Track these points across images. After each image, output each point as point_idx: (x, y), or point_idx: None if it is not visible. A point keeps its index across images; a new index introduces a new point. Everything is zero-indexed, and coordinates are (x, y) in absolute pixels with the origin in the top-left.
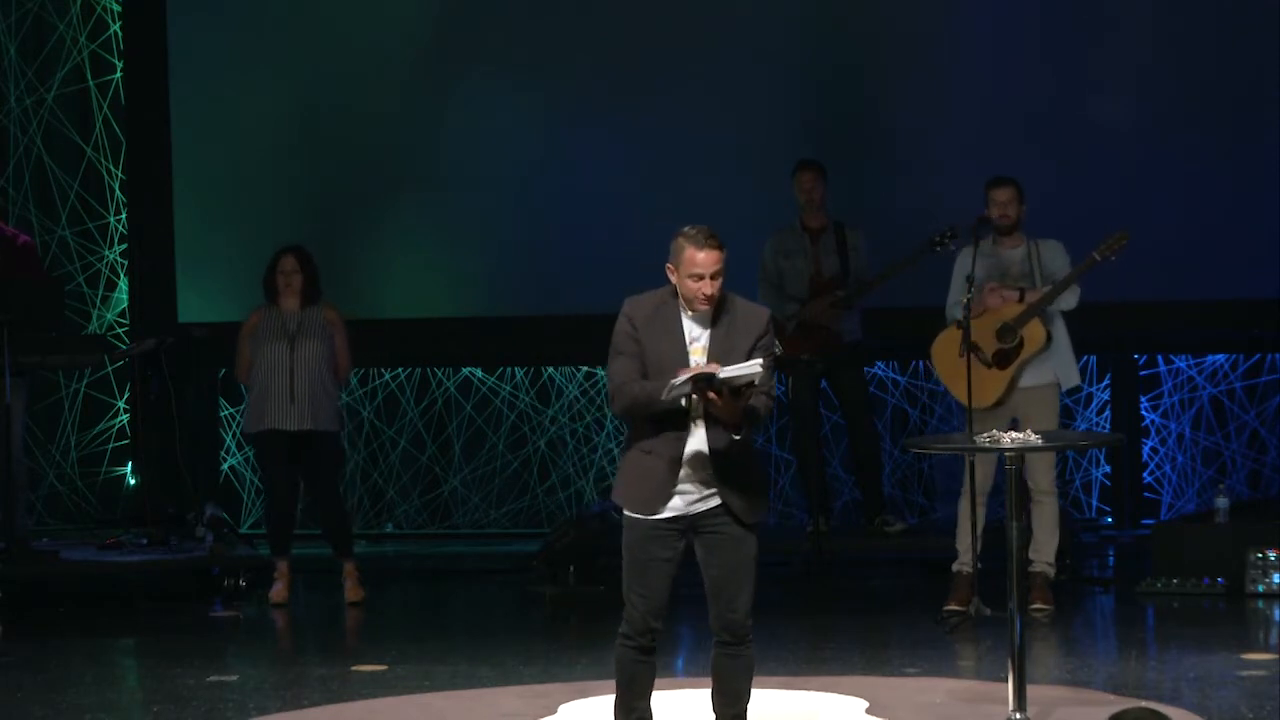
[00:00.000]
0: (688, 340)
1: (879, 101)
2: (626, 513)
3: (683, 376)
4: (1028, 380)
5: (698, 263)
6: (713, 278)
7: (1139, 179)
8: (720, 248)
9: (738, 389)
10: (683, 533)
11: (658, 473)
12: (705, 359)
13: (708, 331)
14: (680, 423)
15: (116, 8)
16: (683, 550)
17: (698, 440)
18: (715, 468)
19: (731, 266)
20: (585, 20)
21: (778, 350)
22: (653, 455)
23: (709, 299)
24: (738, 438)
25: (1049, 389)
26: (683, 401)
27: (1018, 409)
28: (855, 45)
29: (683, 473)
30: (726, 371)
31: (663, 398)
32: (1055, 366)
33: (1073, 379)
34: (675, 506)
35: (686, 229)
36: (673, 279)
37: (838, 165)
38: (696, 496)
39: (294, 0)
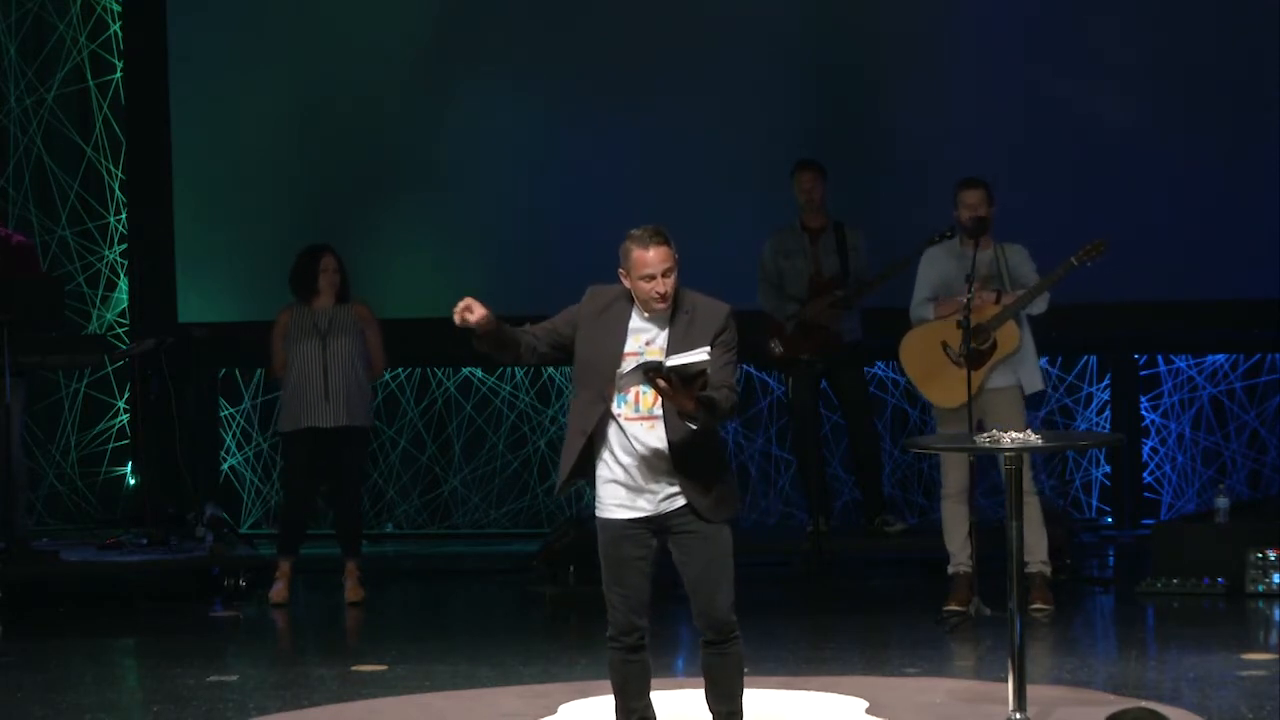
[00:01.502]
0: (644, 341)
1: (879, 102)
2: (597, 515)
3: (630, 365)
4: (993, 383)
5: (647, 262)
6: (664, 275)
7: (1139, 179)
8: (668, 243)
9: (689, 377)
10: (655, 532)
11: (569, 447)
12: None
13: (665, 330)
14: (598, 399)
15: (116, 8)
16: (657, 547)
17: (659, 431)
18: (675, 462)
19: (732, 266)
20: (585, 20)
21: (777, 350)
22: (570, 427)
23: (664, 298)
24: (695, 427)
25: (1012, 391)
26: (626, 397)
27: (983, 410)
28: (855, 46)
29: (646, 467)
30: (673, 359)
31: (616, 384)
32: (1019, 370)
33: (1036, 384)
34: (642, 508)
35: (633, 231)
36: (626, 283)
37: (838, 165)
38: (661, 495)
39: (294, 0)
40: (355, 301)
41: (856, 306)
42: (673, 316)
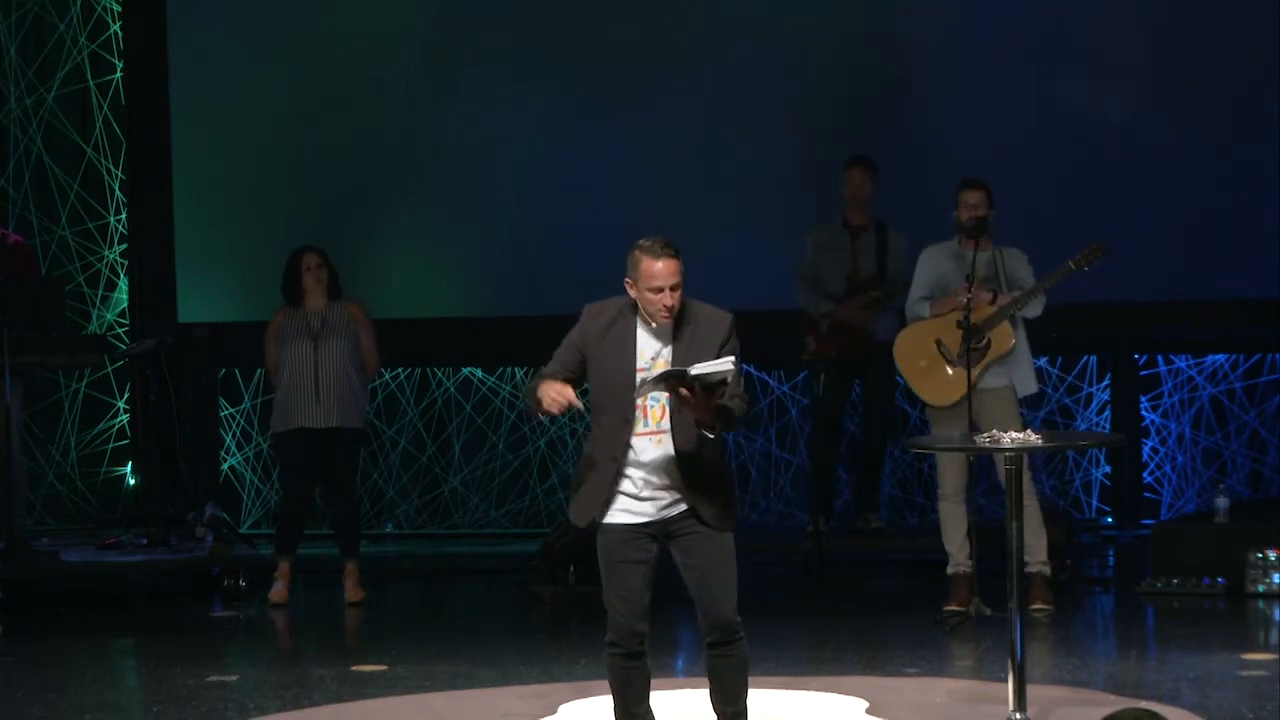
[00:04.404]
0: (649, 356)
1: (882, 101)
2: (598, 521)
3: (653, 374)
4: (985, 383)
5: (656, 274)
6: (672, 289)
7: (1139, 179)
8: (677, 256)
9: (710, 386)
10: (654, 537)
11: (597, 475)
12: None
13: (670, 345)
14: (622, 422)
15: (116, 8)
16: (657, 551)
17: (665, 446)
18: (682, 471)
19: (732, 269)
20: (586, 21)
21: (810, 347)
22: (596, 453)
23: (669, 310)
24: (712, 436)
25: (1005, 392)
26: (639, 408)
27: (976, 411)
28: (859, 47)
29: (651, 478)
30: (697, 368)
31: (635, 396)
32: (1012, 371)
33: (1030, 386)
34: (646, 512)
35: (642, 241)
36: (632, 293)
37: (837, 166)
38: (667, 501)
39: (294, 1)
40: (348, 301)
41: (891, 307)
42: (677, 329)
